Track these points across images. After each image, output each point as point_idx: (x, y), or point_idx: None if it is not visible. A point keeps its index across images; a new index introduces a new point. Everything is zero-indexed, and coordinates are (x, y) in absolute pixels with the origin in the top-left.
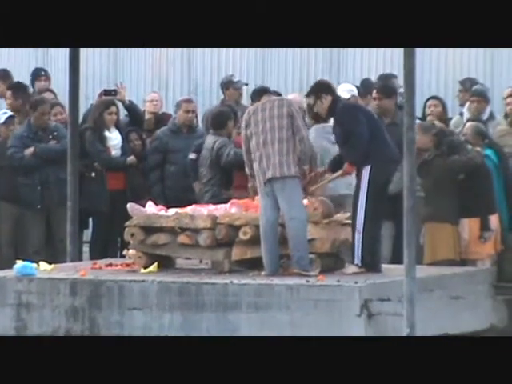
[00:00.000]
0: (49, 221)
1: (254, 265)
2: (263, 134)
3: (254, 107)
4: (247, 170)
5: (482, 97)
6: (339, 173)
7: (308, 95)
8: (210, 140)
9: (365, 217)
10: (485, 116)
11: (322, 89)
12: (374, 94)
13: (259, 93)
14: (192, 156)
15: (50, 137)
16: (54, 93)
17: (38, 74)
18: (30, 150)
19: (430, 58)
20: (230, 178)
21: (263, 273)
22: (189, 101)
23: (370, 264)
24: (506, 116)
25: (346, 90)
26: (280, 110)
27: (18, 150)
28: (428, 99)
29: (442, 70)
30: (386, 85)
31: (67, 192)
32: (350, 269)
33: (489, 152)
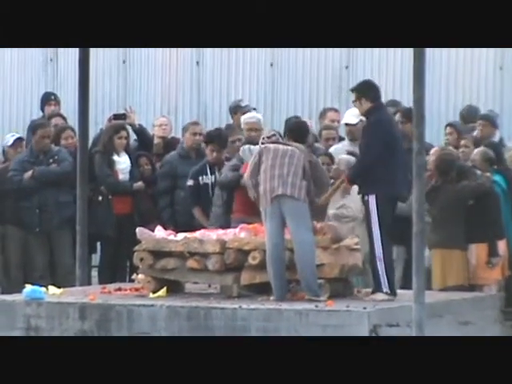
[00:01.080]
0: (51, 245)
1: (262, 289)
2: (281, 157)
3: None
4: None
5: (489, 121)
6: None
7: (352, 90)
8: (234, 162)
9: (382, 244)
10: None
11: (364, 93)
12: (398, 116)
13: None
14: (190, 183)
15: (51, 160)
16: (63, 118)
17: (48, 98)
18: (28, 173)
19: (439, 83)
20: (231, 200)
21: (272, 298)
22: (195, 123)
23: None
24: None
25: (354, 115)
26: (299, 155)
27: (17, 174)
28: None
29: (451, 95)
30: (411, 109)
31: (73, 215)
32: (379, 296)
33: (497, 178)
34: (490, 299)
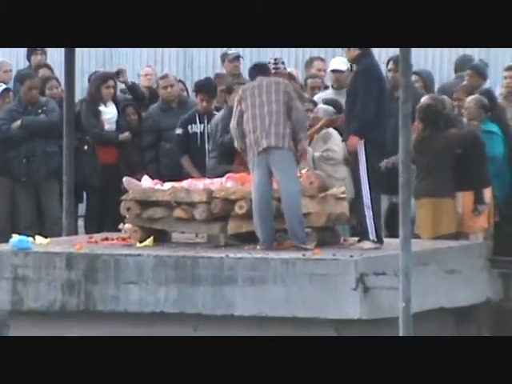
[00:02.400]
0: (38, 195)
1: (249, 239)
2: (260, 106)
3: (250, 84)
4: (237, 144)
5: (477, 71)
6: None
7: None
8: (223, 111)
9: (370, 191)
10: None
11: None
12: (391, 64)
13: (258, 69)
14: (179, 131)
15: (40, 111)
16: (50, 68)
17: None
18: (17, 123)
19: None
20: (230, 153)
21: (259, 247)
22: (164, 77)
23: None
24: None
25: (342, 62)
26: (277, 87)
27: (4, 123)
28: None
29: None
30: None
31: (60, 166)
32: (366, 244)
33: (492, 125)
34: (477, 247)
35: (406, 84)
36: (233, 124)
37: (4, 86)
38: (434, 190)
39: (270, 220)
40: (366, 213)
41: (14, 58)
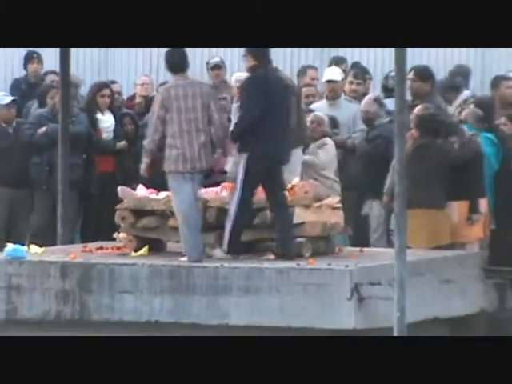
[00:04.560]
0: (55, 204)
1: (245, 248)
2: (185, 112)
3: (175, 89)
4: (152, 139)
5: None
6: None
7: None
8: None
9: (239, 205)
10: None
11: (252, 51)
12: (411, 74)
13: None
14: None
15: (69, 121)
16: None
17: (31, 57)
18: (42, 130)
19: None
20: None
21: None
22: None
23: (236, 248)
24: None
25: (337, 73)
26: (195, 102)
27: (31, 127)
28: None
29: (432, 53)
30: (424, 68)
31: (80, 178)
32: (218, 253)
33: (489, 135)
34: (472, 257)
35: (400, 93)
36: (155, 118)
37: (11, 98)
38: (430, 201)
39: (199, 231)
40: (227, 223)
41: (10, 66)
